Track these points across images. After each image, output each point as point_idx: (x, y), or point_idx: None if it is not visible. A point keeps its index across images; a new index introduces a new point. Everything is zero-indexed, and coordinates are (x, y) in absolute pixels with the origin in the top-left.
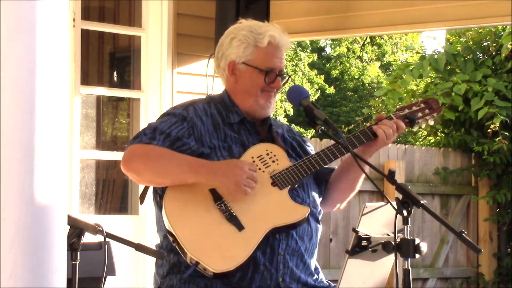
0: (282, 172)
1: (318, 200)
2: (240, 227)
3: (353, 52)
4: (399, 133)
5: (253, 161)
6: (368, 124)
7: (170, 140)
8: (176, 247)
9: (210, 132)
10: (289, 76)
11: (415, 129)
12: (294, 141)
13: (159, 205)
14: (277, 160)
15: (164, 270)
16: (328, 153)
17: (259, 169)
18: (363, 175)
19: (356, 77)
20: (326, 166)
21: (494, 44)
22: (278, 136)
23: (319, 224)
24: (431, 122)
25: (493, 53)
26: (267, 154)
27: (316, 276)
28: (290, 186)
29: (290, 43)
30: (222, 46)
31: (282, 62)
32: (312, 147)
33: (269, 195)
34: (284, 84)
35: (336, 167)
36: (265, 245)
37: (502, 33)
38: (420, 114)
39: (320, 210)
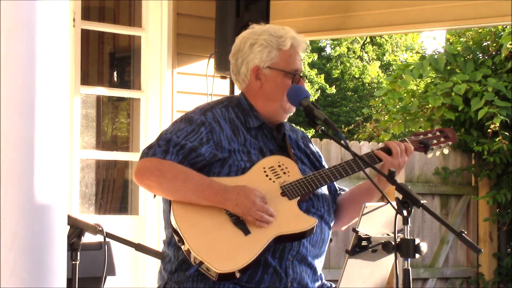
0: (292, 183)
1: (332, 209)
2: (246, 231)
3: (354, 52)
4: (408, 154)
5: (264, 172)
6: (368, 124)
7: (183, 153)
8: (181, 247)
9: (230, 136)
10: (306, 77)
11: (429, 155)
12: (307, 148)
13: (168, 202)
14: (288, 172)
15: (172, 266)
16: (340, 169)
17: (270, 179)
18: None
19: (357, 76)
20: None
21: (494, 44)
22: (292, 143)
23: (330, 230)
24: (446, 151)
25: (493, 53)
26: (279, 166)
27: (320, 282)
28: (299, 197)
29: (307, 44)
30: (241, 52)
31: (302, 65)
32: (321, 154)
33: (278, 204)
34: None
35: (346, 190)
36: (276, 250)
37: (502, 33)
38: (435, 141)
39: (333, 219)
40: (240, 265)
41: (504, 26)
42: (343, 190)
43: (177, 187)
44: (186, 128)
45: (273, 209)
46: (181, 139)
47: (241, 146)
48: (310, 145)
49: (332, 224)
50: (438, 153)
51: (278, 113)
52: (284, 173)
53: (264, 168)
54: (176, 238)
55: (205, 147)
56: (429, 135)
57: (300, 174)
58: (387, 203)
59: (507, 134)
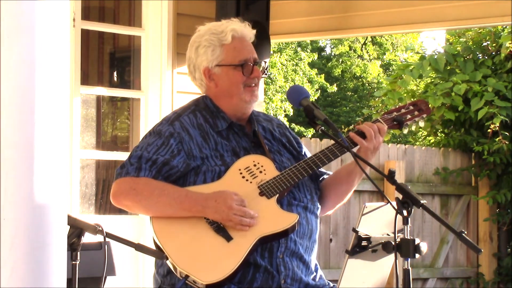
0: (270, 182)
1: (316, 196)
2: (228, 238)
3: (354, 50)
4: (382, 134)
5: (240, 173)
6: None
7: (157, 167)
8: (167, 262)
9: (200, 143)
10: (265, 62)
11: (405, 131)
12: (284, 137)
13: None
14: (264, 170)
15: (164, 269)
16: (316, 160)
17: (247, 180)
18: (354, 188)
19: (358, 74)
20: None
21: (494, 44)
22: (267, 134)
23: (318, 219)
24: (421, 124)
25: (493, 53)
26: (254, 165)
27: (315, 273)
28: (278, 194)
29: (253, 31)
30: (190, 58)
31: (253, 51)
32: (301, 143)
33: (257, 205)
34: (264, 72)
35: (330, 174)
36: (263, 250)
37: (502, 33)
38: (409, 116)
39: (318, 207)
40: (226, 273)
41: (504, 26)
42: (327, 175)
43: (155, 203)
44: (156, 142)
45: (253, 210)
46: (152, 154)
47: (213, 151)
48: (287, 133)
49: (318, 213)
50: (414, 127)
51: (241, 106)
52: (260, 172)
53: (239, 169)
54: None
55: (177, 158)
56: (402, 110)
57: (276, 170)
58: (387, 203)
59: (507, 134)
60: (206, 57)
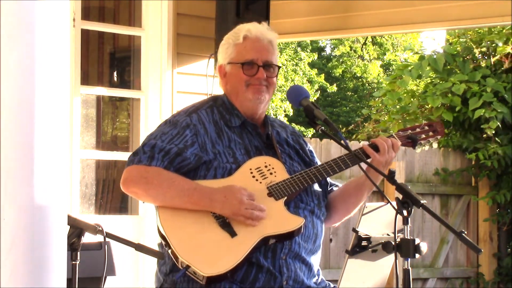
0: (279, 184)
1: (323, 202)
2: (232, 233)
3: (355, 51)
4: (395, 149)
5: (251, 173)
6: (366, 124)
7: (169, 158)
8: (169, 251)
9: (214, 139)
10: (279, 67)
11: (418, 150)
12: (297, 144)
13: (156, 206)
14: (275, 172)
15: (167, 268)
16: (327, 168)
17: (256, 180)
18: (362, 202)
19: (359, 75)
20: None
21: (494, 45)
22: (281, 140)
23: (323, 224)
24: (435, 145)
25: (492, 52)
26: (266, 167)
27: (317, 277)
28: (286, 197)
29: (274, 35)
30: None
31: (265, 53)
32: (314, 152)
33: (265, 205)
34: (275, 75)
35: (339, 185)
36: (267, 250)
37: (500, 34)
38: (423, 136)
39: (324, 212)
40: (226, 268)
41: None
42: (336, 186)
43: (163, 193)
44: (171, 132)
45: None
46: (166, 144)
47: (226, 148)
48: (300, 141)
49: (324, 218)
50: (427, 147)
51: (246, 105)
52: (271, 173)
53: (250, 169)
54: (163, 242)
55: (190, 150)
56: (417, 129)
57: (287, 173)
58: (387, 203)
59: (502, 138)
60: (222, 54)
